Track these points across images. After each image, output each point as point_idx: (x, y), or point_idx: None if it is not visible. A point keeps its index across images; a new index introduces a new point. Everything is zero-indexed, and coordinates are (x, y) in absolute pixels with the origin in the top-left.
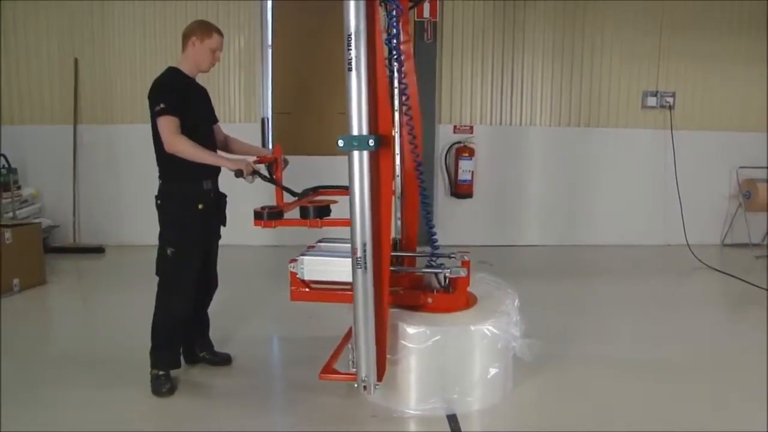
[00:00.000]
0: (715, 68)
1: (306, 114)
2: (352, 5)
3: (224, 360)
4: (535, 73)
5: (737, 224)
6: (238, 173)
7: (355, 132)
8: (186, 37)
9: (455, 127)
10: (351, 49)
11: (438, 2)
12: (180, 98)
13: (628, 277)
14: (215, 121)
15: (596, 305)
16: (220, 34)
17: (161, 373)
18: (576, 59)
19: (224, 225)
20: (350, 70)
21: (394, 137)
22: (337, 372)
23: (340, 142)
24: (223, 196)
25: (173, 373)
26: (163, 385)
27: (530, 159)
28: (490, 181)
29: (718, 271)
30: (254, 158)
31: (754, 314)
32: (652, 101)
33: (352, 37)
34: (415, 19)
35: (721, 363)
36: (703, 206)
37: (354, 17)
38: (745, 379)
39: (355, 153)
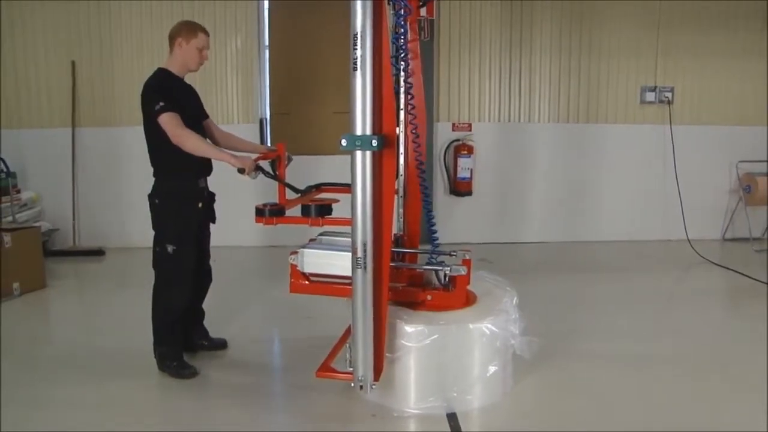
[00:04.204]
0: (713, 63)
1: (304, 114)
2: (359, 5)
3: (221, 345)
4: (533, 70)
5: (737, 218)
6: (242, 170)
7: (358, 132)
8: (172, 38)
9: (454, 124)
10: (357, 49)
11: (435, 0)
12: (173, 97)
13: (628, 273)
14: (205, 117)
15: (596, 301)
16: (206, 32)
17: (174, 363)
18: (573, 55)
19: (213, 222)
20: (355, 69)
21: (398, 136)
22: (334, 371)
23: (343, 142)
24: (213, 194)
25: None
26: (183, 370)
27: (529, 156)
28: (489, 179)
29: (719, 265)
30: (257, 155)
31: (756, 308)
32: (650, 96)
33: (359, 36)
34: None
35: (723, 358)
36: (703, 201)
37: (360, 17)
38: (747, 375)
39: (358, 153)
